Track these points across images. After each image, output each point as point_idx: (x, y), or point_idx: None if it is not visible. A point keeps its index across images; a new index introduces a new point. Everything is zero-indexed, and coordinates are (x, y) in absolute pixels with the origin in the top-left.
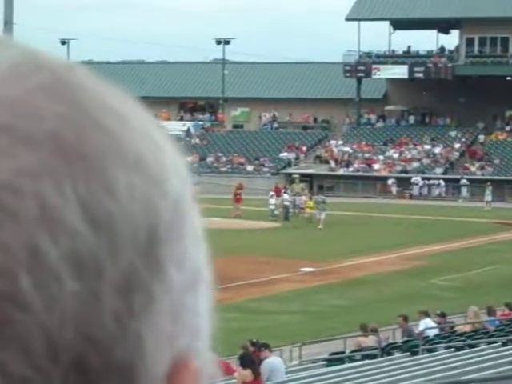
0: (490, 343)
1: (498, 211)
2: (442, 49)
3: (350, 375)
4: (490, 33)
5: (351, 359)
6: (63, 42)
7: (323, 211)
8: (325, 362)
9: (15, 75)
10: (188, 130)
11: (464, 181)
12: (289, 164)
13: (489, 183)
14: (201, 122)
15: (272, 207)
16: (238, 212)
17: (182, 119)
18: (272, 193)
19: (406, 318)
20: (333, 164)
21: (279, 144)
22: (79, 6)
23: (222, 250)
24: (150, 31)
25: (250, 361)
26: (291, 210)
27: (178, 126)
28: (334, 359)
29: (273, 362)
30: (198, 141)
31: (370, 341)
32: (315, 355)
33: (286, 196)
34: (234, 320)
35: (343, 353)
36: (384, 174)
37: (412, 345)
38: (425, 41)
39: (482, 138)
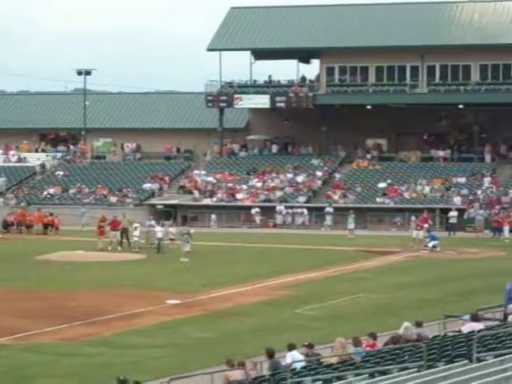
0: (357, 375)
1: (360, 239)
2: (303, 78)
3: None
4: (349, 62)
5: None
6: None
7: (187, 243)
8: None
9: None
10: (43, 164)
11: (329, 209)
12: (152, 195)
13: (351, 211)
14: (59, 154)
15: (136, 239)
16: (102, 245)
17: (44, 151)
18: (136, 224)
19: (269, 352)
20: (197, 194)
21: (142, 175)
22: None
23: (87, 284)
24: (8, 61)
25: None
26: (138, 240)
27: (38, 158)
28: None
29: None
30: (60, 172)
31: (237, 374)
32: None
33: (158, 228)
34: (100, 355)
35: None
36: (248, 203)
37: (280, 378)
38: (286, 70)
39: (341, 168)
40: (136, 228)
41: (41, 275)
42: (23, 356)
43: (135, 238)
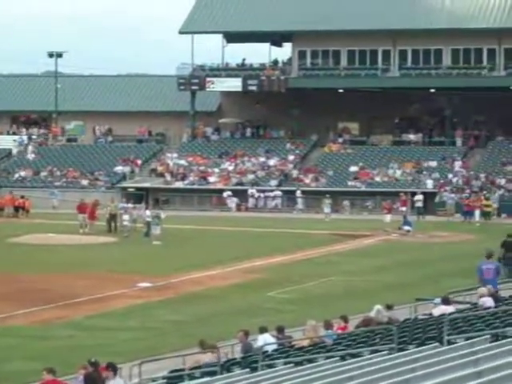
0: (328, 358)
1: (332, 223)
2: (275, 61)
3: None
4: (321, 46)
5: (191, 377)
6: None
7: (157, 226)
8: (164, 380)
9: None
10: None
11: (298, 192)
12: (124, 178)
13: (328, 195)
14: (34, 136)
15: (126, 223)
16: (92, 231)
17: (14, 134)
18: (124, 206)
19: (246, 333)
20: (168, 177)
21: (114, 157)
22: None
23: (58, 267)
24: None
25: (93, 382)
26: (130, 225)
27: (10, 141)
28: (174, 377)
29: None
30: (32, 155)
31: (208, 357)
32: (155, 372)
33: (148, 212)
34: (71, 338)
35: (183, 370)
36: (220, 186)
37: (251, 361)
38: (258, 54)
39: (313, 151)
40: (126, 212)
41: (12, 258)
42: None
43: (125, 223)
